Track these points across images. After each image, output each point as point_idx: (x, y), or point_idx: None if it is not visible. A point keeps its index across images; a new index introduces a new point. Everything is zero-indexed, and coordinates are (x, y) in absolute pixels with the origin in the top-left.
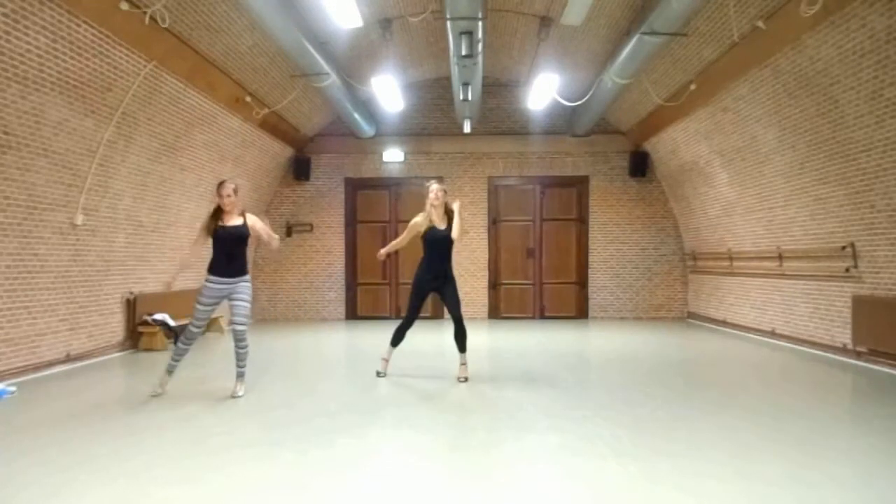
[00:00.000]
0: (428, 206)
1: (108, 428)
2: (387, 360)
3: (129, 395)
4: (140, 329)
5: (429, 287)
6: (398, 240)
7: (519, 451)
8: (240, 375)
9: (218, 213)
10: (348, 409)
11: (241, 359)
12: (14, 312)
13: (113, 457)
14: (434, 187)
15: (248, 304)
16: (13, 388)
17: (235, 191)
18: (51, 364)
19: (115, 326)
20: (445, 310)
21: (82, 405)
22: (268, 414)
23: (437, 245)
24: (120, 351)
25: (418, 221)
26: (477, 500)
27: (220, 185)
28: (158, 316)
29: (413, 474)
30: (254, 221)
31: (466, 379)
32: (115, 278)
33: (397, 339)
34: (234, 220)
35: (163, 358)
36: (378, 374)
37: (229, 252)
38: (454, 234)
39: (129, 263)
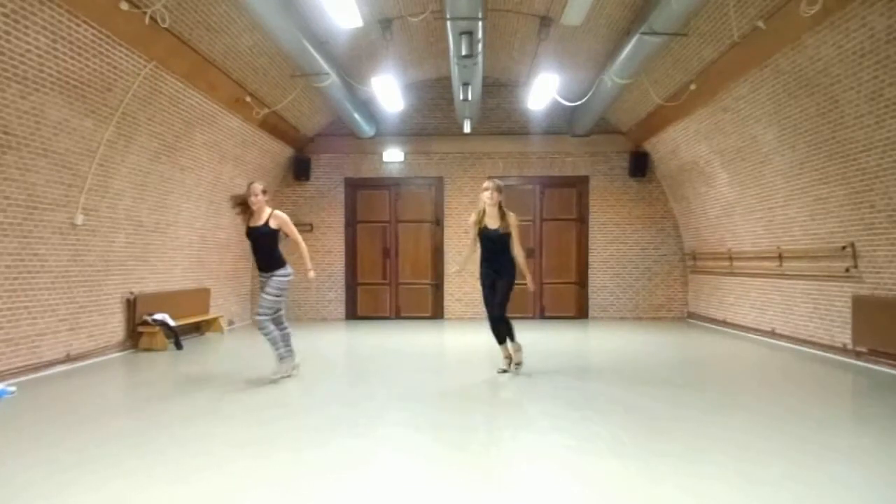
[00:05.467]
0: (481, 205)
1: (107, 428)
2: (508, 357)
3: (128, 395)
4: (140, 329)
5: (489, 278)
6: (468, 250)
7: (519, 450)
8: (279, 358)
9: (248, 214)
10: (348, 409)
11: (271, 345)
12: (14, 312)
13: (113, 457)
14: (487, 184)
15: (269, 297)
16: (13, 388)
17: (264, 191)
18: (51, 364)
19: (115, 326)
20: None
21: (82, 405)
22: (268, 413)
23: (490, 243)
24: (120, 351)
25: (473, 218)
26: (477, 500)
27: (248, 186)
28: (158, 316)
29: (412, 474)
30: (280, 221)
31: (519, 364)
32: (115, 278)
33: (498, 336)
34: (259, 220)
35: (163, 358)
36: (501, 370)
37: (255, 249)
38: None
39: (129, 263)
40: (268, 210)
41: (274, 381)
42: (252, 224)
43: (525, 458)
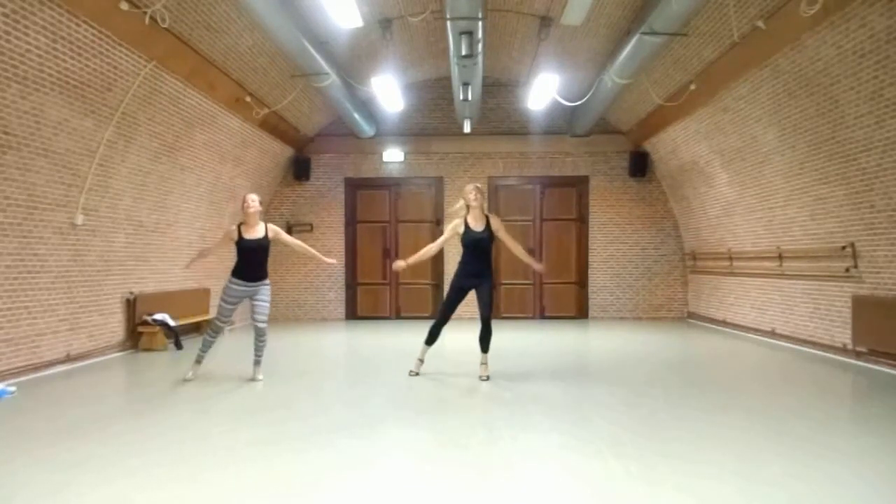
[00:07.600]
0: (463, 208)
1: (107, 428)
2: (421, 361)
3: (128, 395)
4: (140, 329)
5: (467, 285)
6: (434, 245)
7: (519, 450)
8: (257, 363)
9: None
10: (348, 409)
11: (259, 350)
12: (14, 312)
13: (113, 457)
14: (470, 187)
15: (267, 304)
16: (13, 388)
17: (260, 202)
18: (51, 364)
19: (115, 326)
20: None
21: (82, 405)
22: (269, 414)
23: (475, 246)
24: (120, 351)
25: (457, 223)
26: (477, 500)
27: (245, 197)
28: (158, 316)
29: (413, 474)
30: (276, 233)
31: (488, 378)
32: (115, 278)
33: (431, 337)
34: (255, 233)
35: (163, 358)
36: (411, 373)
37: (251, 261)
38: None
39: (129, 263)
40: (261, 223)
41: (257, 381)
42: (248, 235)
43: (525, 457)
